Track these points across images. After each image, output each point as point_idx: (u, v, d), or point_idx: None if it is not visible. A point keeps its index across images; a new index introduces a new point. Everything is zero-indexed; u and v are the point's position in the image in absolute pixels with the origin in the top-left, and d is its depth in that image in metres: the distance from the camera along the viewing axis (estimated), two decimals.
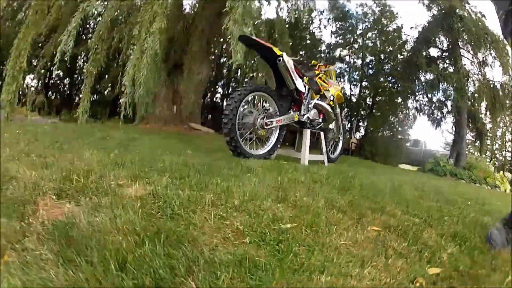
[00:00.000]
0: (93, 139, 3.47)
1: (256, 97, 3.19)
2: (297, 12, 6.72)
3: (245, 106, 3.09)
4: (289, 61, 3.18)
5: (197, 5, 7.43)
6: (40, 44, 7.58)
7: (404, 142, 10.82)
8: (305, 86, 3.48)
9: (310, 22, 12.18)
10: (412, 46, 10.33)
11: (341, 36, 11.41)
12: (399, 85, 10.23)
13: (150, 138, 4.26)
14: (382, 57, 11.08)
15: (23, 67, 4.46)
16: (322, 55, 11.93)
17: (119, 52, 6.88)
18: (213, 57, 9.19)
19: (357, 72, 11.25)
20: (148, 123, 6.27)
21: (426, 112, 10.27)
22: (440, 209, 2.03)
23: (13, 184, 1.34)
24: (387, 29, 11.07)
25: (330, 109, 3.84)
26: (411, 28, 11.92)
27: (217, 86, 13.36)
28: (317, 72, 3.84)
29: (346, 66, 11.54)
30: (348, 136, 9.53)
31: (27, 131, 3.49)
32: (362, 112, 10.84)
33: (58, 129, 4.25)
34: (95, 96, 9.62)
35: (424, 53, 9.89)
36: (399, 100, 10.41)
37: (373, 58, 11.13)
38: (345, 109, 10.13)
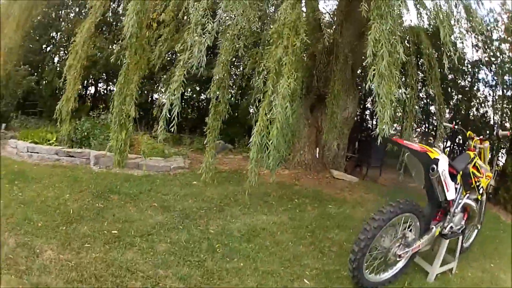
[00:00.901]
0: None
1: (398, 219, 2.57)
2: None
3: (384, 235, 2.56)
4: (443, 171, 2.51)
5: (333, 25, 6.07)
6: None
7: None
8: (456, 189, 2.73)
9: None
10: None
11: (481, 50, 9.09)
12: None
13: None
14: None
15: (131, 115, 4.08)
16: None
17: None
18: (359, 88, 7.42)
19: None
20: (287, 168, 5.64)
21: None
22: None
23: None
24: None
25: (476, 206, 3.00)
26: None
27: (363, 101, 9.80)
28: (471, 155, 2.98)
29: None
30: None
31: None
32: (501, 144, 9.00)
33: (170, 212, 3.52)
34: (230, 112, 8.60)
35: None
36: None
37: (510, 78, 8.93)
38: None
